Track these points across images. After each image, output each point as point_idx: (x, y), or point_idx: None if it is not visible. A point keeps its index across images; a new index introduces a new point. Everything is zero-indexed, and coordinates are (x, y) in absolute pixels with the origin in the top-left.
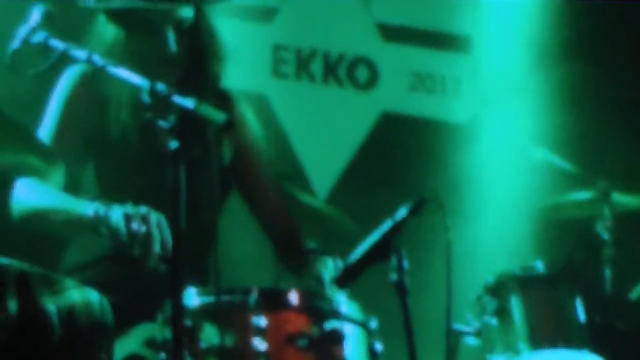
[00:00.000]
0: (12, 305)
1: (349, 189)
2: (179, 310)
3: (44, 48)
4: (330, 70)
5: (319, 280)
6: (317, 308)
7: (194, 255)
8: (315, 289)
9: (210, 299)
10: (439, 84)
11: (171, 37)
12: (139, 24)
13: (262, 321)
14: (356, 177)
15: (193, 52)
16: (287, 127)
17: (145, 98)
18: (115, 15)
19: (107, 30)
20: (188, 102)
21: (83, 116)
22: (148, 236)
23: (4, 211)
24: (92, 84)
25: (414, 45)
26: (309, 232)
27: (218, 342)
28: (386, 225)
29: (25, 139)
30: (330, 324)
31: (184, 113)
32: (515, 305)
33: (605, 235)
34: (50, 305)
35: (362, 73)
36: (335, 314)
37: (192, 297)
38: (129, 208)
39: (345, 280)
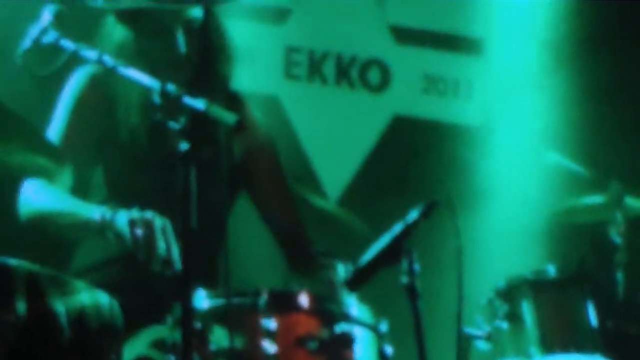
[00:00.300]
0: (21, 307)
1: (361, 191)
2: (189, 312)
3: (55, 48)
4: (343, 72)
5: (331, 284)
6: (327, 311)
7: (203, 257)
8: (327, 293)
9: (220, 301)
10: (451, 86)
11: (180, 38)
12: (148, 24)
13: (272, 324)
14: (368, 180)
15: (202, 53)
16: (299, 129)
17: (156, 99)
18: (124, 16)
19: (116, 31)
20: (199, 104)
21: (92, 118)
22: (151, 241)
23: (14, 212)
24: (102, 85)
25: (426, 48)
26: (320, 235)
27: (228, 344)
28: (397, 228)
29: (34, 139)
30: (340, 327)
31: (194, 114)
32: (527, 309)
33: (618, 240)
34: (60, 307)
35: (374, 75)
36: (346, 317)
37: (202, 300)
38: (135, 213)
39: (356, 282)
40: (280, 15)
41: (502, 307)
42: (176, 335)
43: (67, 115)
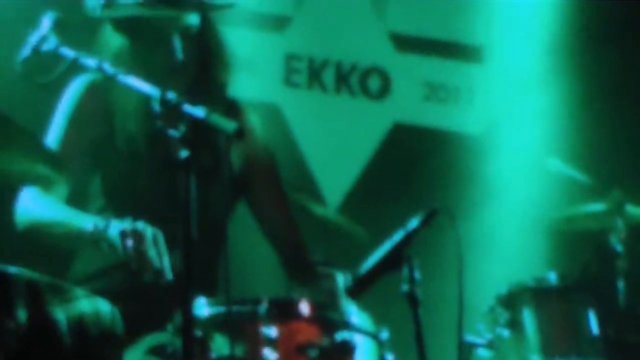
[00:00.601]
0: (22, 314)
1: (361, 199)
2: (190, 320)
3: (55, 56)
4: (343, 79)
5: (330, 293)
6: (328, 318)
7: (203, 264)
8: (326, 302)
9: (220, 309)
10: (452, 94)
11: (177, 45)
12: (145, 31)
13: (272, 331)
14: (368, 188)
15: (200, 60)
16: (299, 137)
17: (156, 107)
18: (121, 24)
19: (114, 40)
20: (199, 111)
21: (90, 126)
22: (142, 252)
23: (13, 220)
24: (100, 93)
25: (427, 55)
26: (320, 242)
27: (228, 352)
28: (398, 236)
29: (34, 147)
30: (341, 335)
31: (194, 122)
32: (528, 317)
33: (619, 248)
34: (60, 315)
35: (374, 83)
36: (346, 325)
37: (203, 307)
38: (126, 224)
39: (357, 290)
40: (280, 23)
41: (504, 315)
42: (177, 343)
43: (65, 123)
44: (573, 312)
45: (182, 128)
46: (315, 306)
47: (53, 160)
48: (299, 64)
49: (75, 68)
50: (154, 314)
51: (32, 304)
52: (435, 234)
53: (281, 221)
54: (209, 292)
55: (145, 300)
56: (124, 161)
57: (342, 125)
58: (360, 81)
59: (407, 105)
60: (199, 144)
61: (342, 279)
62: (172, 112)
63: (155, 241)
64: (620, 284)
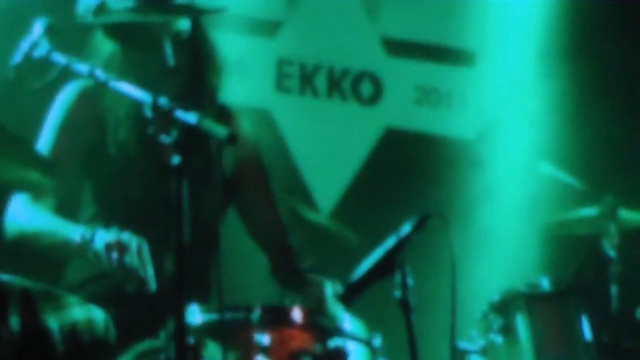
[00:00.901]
0: (15, 322)
1: (353, 204)
2: (182, 327)
3: (46, 62)
4: (335, 84)
5: (318, 300)
6: (320, 325)
7: (196, 269)
8: (314, 309)
9: (213, 316)
10: (444, 98)
11: (169, 50)
12: (136, 37)
13: (265, 338)
14: (360, 193)
15: (191, 65)
16: (291, 142)
17: (148, 112)
18: (112, 30)
19: (105, 45)
20: (191, 117)
21: (81, 133)
22: (126, 264)
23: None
24: (91, 100)
25: (418, 60)
26: (312, 248)
27: (221, 359)
28: (390, 242)
29: (26, 153)
30: (333, 342)
31: (186, 127)
32: (521, 323)
33: (612, 253)
34: (53, 322)
35: (366, 88)
36: (339, 332)
37: (195, 314)
38: (112, 234)
39: (349, 296)
40: (272, 28)
41: (497, 321)
42: (170, 350)
43: (57, 130)
44: (566, 318)
45: (174, 133)
46: (308, 313)
47: (45, 166)
48: (291, 69)
49: (67, 74)
50: (147, 321)
51: (25, 311)
52: (428, 239)
53: (270, 224)
54: (202, 297)
55: (138, 307)
56: (116, 167)
57: (334, 130)
58: (352, 86)
59: (399, 110)
60: (191, 149)
61: (330, 287)
62: (164, 118)
63: (139, 252)
64: (614, 289)
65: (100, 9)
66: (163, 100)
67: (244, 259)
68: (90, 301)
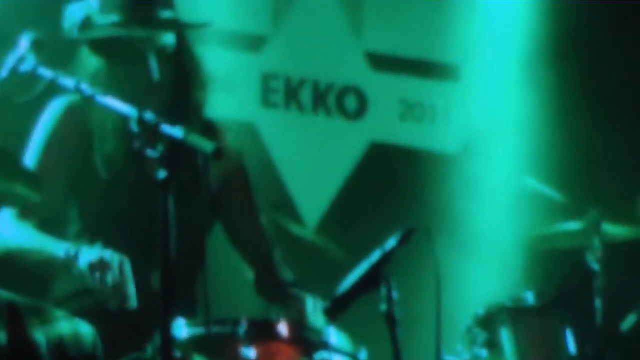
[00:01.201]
0: (1, 336)
1: (338, 218)
2: (169, 341)
3: (33, 76)
4: (320, 99)
5: (299, 316)
6: (306, 339)
7: (183, 283)
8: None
9: (199, 329)
10: (428, 112)
11: (154, 64)
12: (121, 52)
13: (251, 352)
14: (345, 207)
15: (176, 79)
16: (276, 157)
17: (134, 127)
18: (98, 45)
19: (90, 60)
20: (177, 131)
21: (67, 148)
22: (107, 283)
23: None
24: (77, 115)
25: (402, 74)
26: (298, 262)
27: None
28: (375, 255)
29: (12, 167)
30: (319, 355)
31: (172, 142)
32: (506, 337)
33: (595, 266)
34: (40, 336)
35: (351, 102)
36: (325, 345)
37: (182, 328)
38: (95, 252)
39: (335, 311)
40: (257, 42)
41: (481, 335)
42: None
43: (43, 145)
44: (550, 331)
45: (160, 148)
46: (294, 327)
47: (32, 180)
48: (276, 83)
49: (53, 88)
50: (134, 335)
51: (12, 325)
52: (413, 253)
53: (253, 238)
54: (189, 311)
55: (125, 321)
56: (103, 182)
57: (319, 144)
58: (337, 100)
59: (383, 125)
60: (178, 163)
61: (311, 302)
62: (150, 132)
63: (121, 270)
64: (598, 302)
65: (86, 24)
66: (149, 115)
67: (230, 273)
68: (77, 315)
